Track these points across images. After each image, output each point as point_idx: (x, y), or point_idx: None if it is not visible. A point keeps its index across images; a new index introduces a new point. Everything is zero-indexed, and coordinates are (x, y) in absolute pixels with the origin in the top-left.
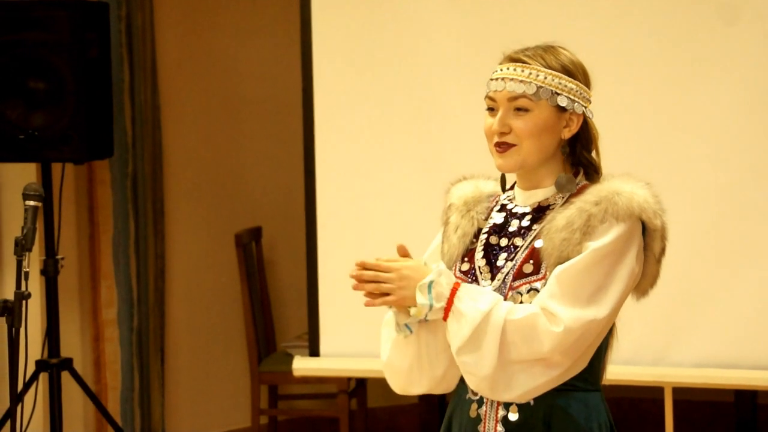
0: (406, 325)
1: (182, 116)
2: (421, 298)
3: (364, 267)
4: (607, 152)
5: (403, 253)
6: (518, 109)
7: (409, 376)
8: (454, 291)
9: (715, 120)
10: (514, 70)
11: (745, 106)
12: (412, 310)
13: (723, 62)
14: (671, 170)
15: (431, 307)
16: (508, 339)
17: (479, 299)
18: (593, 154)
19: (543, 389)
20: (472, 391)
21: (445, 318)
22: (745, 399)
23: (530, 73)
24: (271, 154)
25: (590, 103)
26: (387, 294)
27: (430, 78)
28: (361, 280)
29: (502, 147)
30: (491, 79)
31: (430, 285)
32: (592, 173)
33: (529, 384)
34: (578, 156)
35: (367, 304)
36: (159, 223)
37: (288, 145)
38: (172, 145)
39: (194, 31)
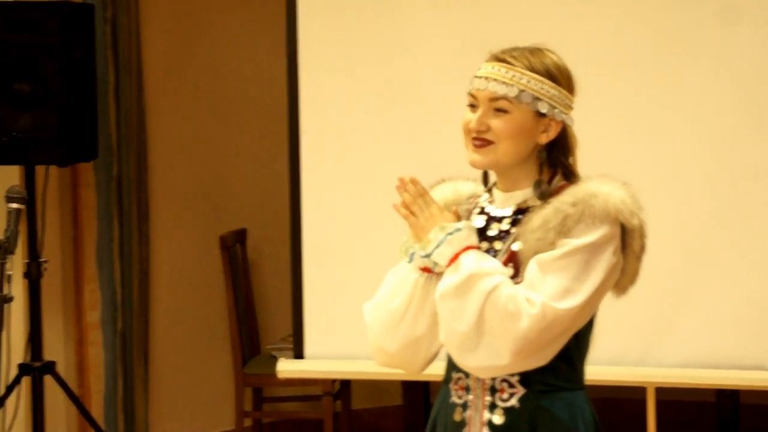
0: (413, 253)
1: (167, 118)
2: (436, 233)
3: (415, 184)
4: (593, 151)
5: (455, 213)
6: (498, 110)
7: (391, 321)
8: (468, 248)
9: (701, 119)
10: (498, 70)
11: (730, 106)
12: (423, 242)
13: (709, 61)
14: (654, 170)
15: (439, 244)
16: (488, 307)
17: (485, 261)
18: (570, 160)
19: (502, 371)
20: (457, 395)
21: (447, 266)
22: (727, 399)
23: (513, 76)
24: (257, 156)
25: (572, 109)
26: (414, 214)
27: (416, 79)
28: (404, 188)
29: (479, 143)
30: (475, 77)
31: (454, 230)
32: (570, 176)
33: (491, 360)
34: (554, 160)
35: (394, 206)
36: (143, 226)
37: (273, 147)
38: (157, 147)
39: (180, 33)
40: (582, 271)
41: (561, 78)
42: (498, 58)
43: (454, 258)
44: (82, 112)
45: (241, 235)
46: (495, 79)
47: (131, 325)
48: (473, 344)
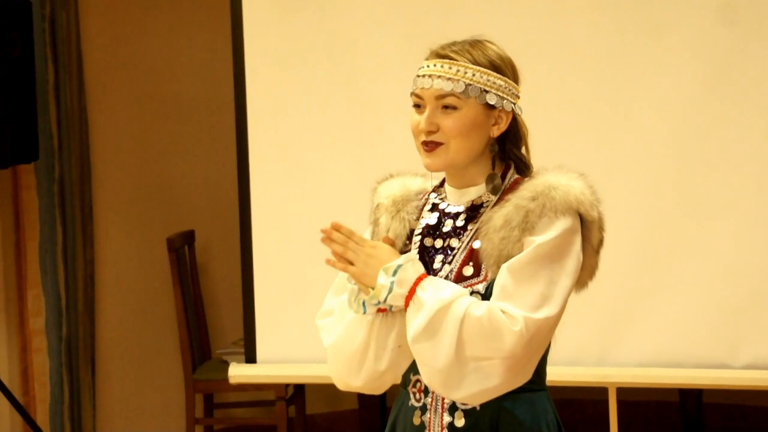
0: (363, 304)
1: (110, 117)
2: (383, 278)
3: (338, 229)
4: (546, 147)
5: (388, 241)
6: (446, 107)
7: (352, 362)
8: (419, 280)
9: (655, 115)
10: (441, 66)
11: (683, 103)
12: (372, 291)
13: (664, 59)
14: (610, 168)
15: (391, 289)
16: (465, 334)
17: (442, 290)
18: (523, 150)
19: (495, 393)
20: (416, 398)
21: (405, 306)
22: (690, 398)
23: (458, 71)
24: (204, 155)
25: (519, 98)
26: (350, 263)
27: (363, 76)
28: (330, 239)
29: (430, 146)
30: (418, 76)
31: (397, 269)
32: (523, 168)
33: (481, 385)
34: (507, 153)
35: (327, 262)
36: (88, 229)
37: (221, 146)
38: (100, 147)
39: (121, 29)
40: (554, 273)
41: (505, 68)
42: (439, 55)
43: (410, 296)
44: (21, 113)
45: (188, 237)
46: (439, 76)
47: (77, 330)
48: (458, 376)
